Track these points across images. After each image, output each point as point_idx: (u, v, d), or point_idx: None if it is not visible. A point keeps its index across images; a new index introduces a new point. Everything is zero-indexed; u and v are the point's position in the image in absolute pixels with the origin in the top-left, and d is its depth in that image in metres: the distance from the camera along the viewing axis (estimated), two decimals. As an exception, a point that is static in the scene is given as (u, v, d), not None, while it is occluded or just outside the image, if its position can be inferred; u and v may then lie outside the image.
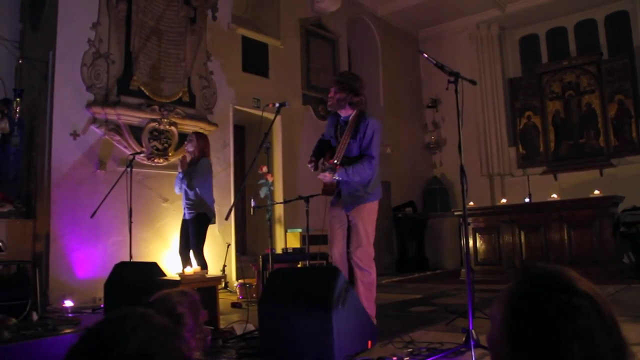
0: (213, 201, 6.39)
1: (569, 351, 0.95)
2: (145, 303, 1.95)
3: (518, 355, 1.00)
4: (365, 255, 4.39)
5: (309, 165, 4.61)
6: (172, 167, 7.42)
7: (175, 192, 6.58)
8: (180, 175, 6.25)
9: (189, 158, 6.39)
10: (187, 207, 6.23)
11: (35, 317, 5.24)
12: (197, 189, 6.11)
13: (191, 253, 6.17)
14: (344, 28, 11.35)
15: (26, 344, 3.07)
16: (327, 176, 4.30)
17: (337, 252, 4.52)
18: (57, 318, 5.05)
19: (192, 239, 6.14)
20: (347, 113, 4.46)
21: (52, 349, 3.09)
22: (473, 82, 3.74)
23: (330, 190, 4.47)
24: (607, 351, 0.97)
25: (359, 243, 4.38)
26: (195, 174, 6.15)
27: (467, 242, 3.79)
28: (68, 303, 5.97)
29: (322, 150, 4.65)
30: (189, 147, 6.38)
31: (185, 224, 6.32)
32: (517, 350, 1.00)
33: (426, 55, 3.81)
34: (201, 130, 7.97)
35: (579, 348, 0.95)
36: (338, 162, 4.24)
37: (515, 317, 1.03)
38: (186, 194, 6.23)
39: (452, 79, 3.60)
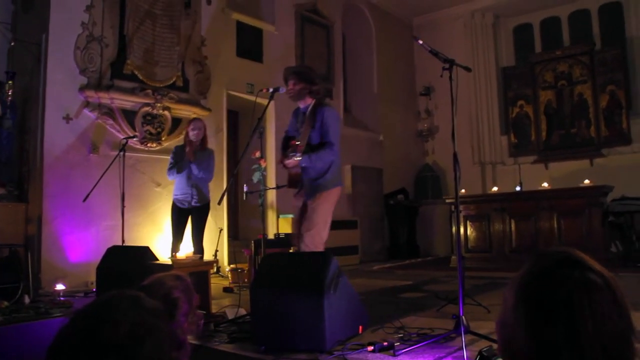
0: None
1: (582, 326, 0.96)
2: (140, 287, 1.96)
3: (532, 332, 1.01)
4: (312, 241, 4.37)
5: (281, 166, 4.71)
6: (165, 151, 7.38)
7: (168, 179, 6.52)
8: (194, 166, 6.08)
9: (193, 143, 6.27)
10: (193, 196, 6.14)
11: (27, 300, 5.26)
12: (209, 179, 6.19)
13: (190, 241, 6.16)
14: (339, 14, 11.31)
15: (18, 327, 3.09)
16: (290, 162, 4.36)
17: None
18: (49, 301, 5.07)
19: (199, 228, 6.16)
20: (306, 103, 4.61)
21: (44, 331, 3.11)
22: (468, 69, 3.75)
23: (295, 181, 4.55)
24: (617, 330, 0.98)
25: (308, 227, 4.39)
26: (210, 163, 6.18)
27: (459, 230, 3.82)
28: (60, 287, 5.97)
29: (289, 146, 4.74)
30: (198, 135, 6.19)
31: (184, 212, 6.25)
32: (531, 326, 1.01)
33: (421, 42, 3.81)
34: (194, 115, 7.96)
35: (592, 323, 0.96)
36: (300, 143, 4.34)
37: (531, 293, 1.03)
38: (195, 182, 6.13)
39: (446, 65, 3.61)
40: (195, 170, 6.08)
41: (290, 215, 8.58)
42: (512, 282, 1.10)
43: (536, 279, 1.05)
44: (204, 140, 6.27)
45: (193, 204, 6.18)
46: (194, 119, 6.66)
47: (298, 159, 4.32)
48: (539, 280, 1.04)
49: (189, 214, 6.24)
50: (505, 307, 1.10)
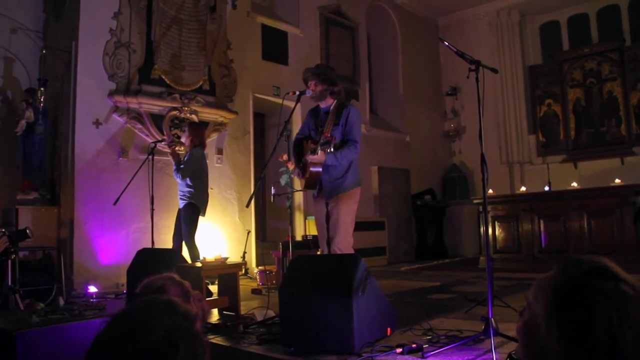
0: (206, 192, 6.41)
1: (621, 339, 0.96)
2: (133, 294, 2.05)
3: (567, 344, 1.00)
4: (344, 245, 4.39)
5: (296, 173, 4.68)
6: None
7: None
8: (174, 167, 6.29)
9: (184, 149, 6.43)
10: (180, 198, 6.29)
11: (61, 302, 5.36)
12: (187, 180, 6.17)
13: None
14: (363, 16, 11.31)
15: (54, 328, 3.15)
16: (315, 157, 4.29)
17: (325, 245, 4.50)
18: (82, 303, 5.15)
19: (183, 228, 6.22)
20: (327, 104, 4.60)
21: (79, 333, 3.16)
22: (495, 71, 3.72)
23: (314, 182, 4.50)
24: None
25: (336, 232, 4.38)
26: (185, 164, 6.22)
27: (487, 230, 3.79)
28: (92, 288, 6.09)
29: (302, 150, 4.69)
30: (182, 139, 6.48)
31: (178, 213, 6.39)
32: (566, 339, 1.00)
33: (447, 43, 3.79)
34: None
35: (631, 335, 0.96)
36: (332, 135, 4.23)
37: (564, 305, 1.02)
38: (180, 184, 6.28)
39: (473, 67, 3.59)
40: (174, 170, 6.29)
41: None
42: (539, 287, 1.09)
43: (569, 289, 1.04)
44: (191, 143, 6.39)
45: (181, 203, 6.30)
46: (183, 126, 6.76)
47: (328, 163, 4.30)
48: (572, 291, 1.03)
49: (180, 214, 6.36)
50: (531, 312, 1.09)
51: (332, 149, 4.17)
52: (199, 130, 6.59)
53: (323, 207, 4.50)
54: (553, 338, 1.02)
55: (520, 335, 1.13)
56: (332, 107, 4.55)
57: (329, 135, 4.21)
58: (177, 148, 6.86)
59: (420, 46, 12.69)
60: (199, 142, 6.43)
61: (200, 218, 6.41)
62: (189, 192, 6.20)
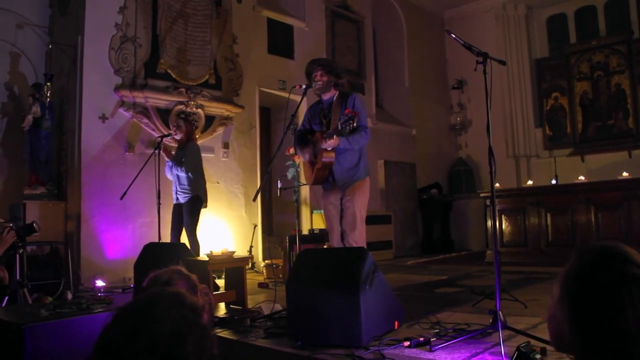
0: (205, 184, 6.46)
1: (624, 321, 0.96)
2: (140, 288, 2.06)
3: (576, 326, 1.01)
4: (360, 236, 4.46)
5: (306, 158, 4.67)
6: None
7: (169, 178, 6.52)
8: (170, 164, 6.30)
9: (176, 142, 6.48)
10: (181, 192, 6.30)
11: (69, 296, 5.38)
12: (189, 173, 6.19)
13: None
14: (369, 9, 11.27)
15: (62, 322, 3.16)
16: (330, 142, 4.27)
17: (336, 239, 4.57)
18: (90, 297, 5.16)
19: (186, 220, 6.23)
20: (330, 95, 4.64)
21: (87, 327, 3.17)
22: (502, 62, 3.69)
23: (324, 175, 4.52)
24: None
25: (353, 226, 4.44)
26: (187, 158, 6.23)
27: (495, 224, 3.78)
28: (100, 283, 6.10)
29: (306, 140, 4.69)
30: (177, 134, 6.47)
31: (177, 208, 6.38)
32: (575, 320, 1.01)
33: (454, 36, 3.77)
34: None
35: (635, 317, 0.96)
36: (352, 110, 4.21)
37: (574, 288, 1.04)
38: (179, 179, 6.29)
39: (480, 59, 3.56)
40: (169, 166, 6.34)
41: (324, 211, 8.61)
42: (558, 278, 1.11)
43: (579, 273, 1.05)
44: (187, 137, 6.46)
45: (181, 199, 6.31)
46: (176, 120, 6.83)
47: (341, 146, 4.30)
48: (581, 274, 1.04)
49: (180, 209, 6.35)
50: (552, 300, 1.11)
51: (355, 125, 4.14)
52: (191, 125, 6.70)
53: (335, 199, 4.54)
54: (566, 324, 1.04)
55: (547, 323, 1.15)
56: (335, 97, 4.58)
57: (350, 110, 4.19)
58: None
59: (425, 39, 12.64)
60: (192, 136, 6.54)
61: (204, 211, 6.43)
62: (191, 185, 6.24)
